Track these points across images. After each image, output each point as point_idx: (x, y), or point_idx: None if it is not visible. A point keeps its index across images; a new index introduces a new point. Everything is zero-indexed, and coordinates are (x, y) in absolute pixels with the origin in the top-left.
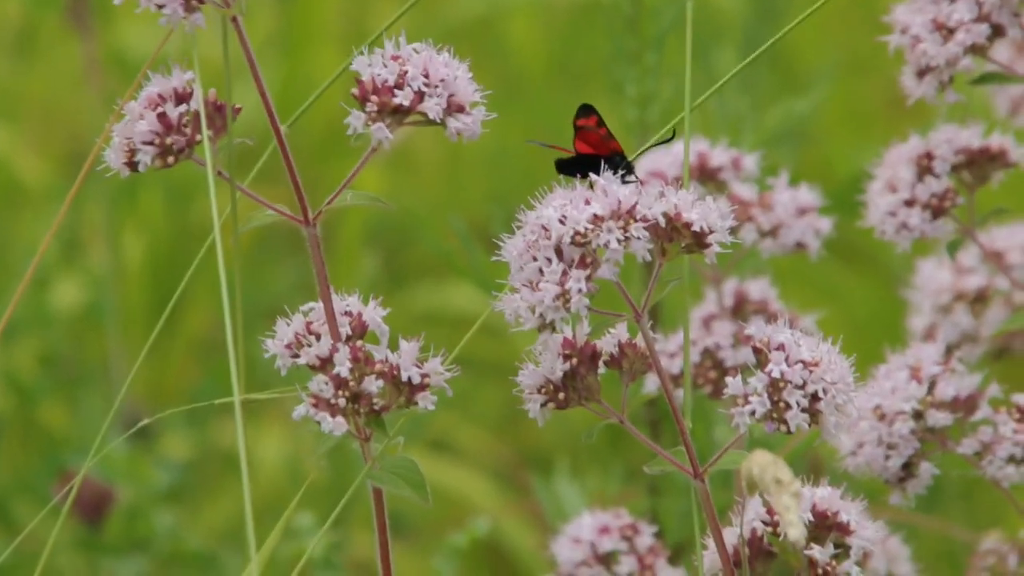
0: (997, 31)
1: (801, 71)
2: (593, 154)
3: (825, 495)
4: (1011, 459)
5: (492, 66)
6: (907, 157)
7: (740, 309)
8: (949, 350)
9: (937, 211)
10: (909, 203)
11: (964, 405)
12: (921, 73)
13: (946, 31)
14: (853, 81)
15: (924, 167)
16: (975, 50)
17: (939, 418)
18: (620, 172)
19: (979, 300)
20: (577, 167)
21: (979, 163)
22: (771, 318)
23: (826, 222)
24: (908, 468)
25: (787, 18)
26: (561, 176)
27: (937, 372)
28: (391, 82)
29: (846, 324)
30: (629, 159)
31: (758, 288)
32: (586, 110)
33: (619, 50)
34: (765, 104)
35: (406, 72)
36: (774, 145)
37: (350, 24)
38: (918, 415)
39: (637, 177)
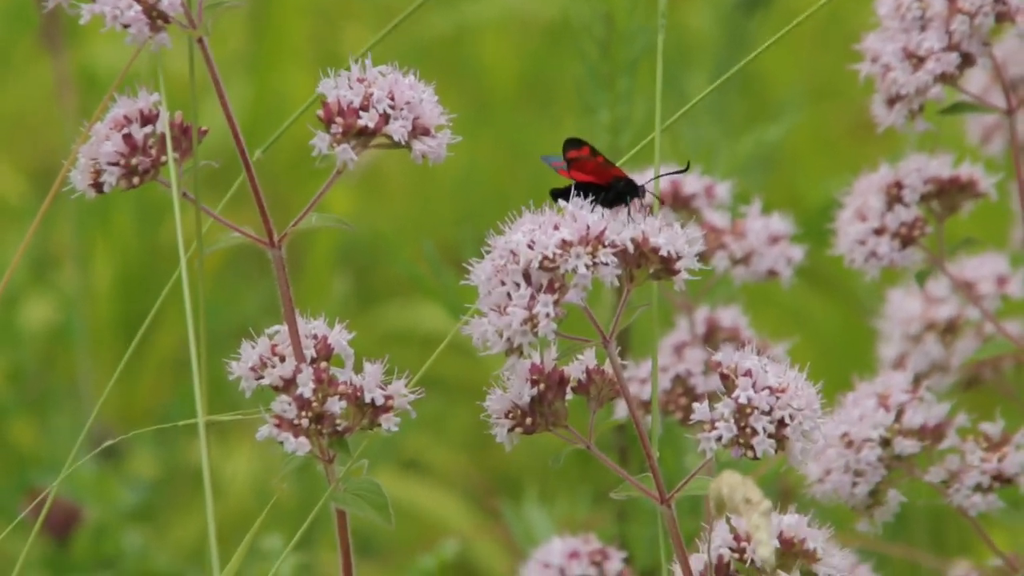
0: (967, 60)
1: (772, 97)
2: (592, 182)
3: (792, 522)
4: (978, 488)
5: (462, 85)
6: (877, 186)
7: (711, 337)
8: (917, 379)
9: (906, 240)
10: (878, 232)
11: (932, 433)
12: (891, 101)
13: (916, 60)
14: (820, 106)
15: (894, 196)
16: (945, 79)
17: (906, 446)
18: (629, 197)
19: (949, 330)
20: (578, 195)
21: (949, 193)
22: (742, 346)
23: (798, 250)
24: (875, 495)
25: (759, 44)
26: (532, 201)
27: (905, 400)
28: (356, 104)
29: (816, 351)
30: (634, 182)
31: (729, 316)
32: (575, 143)
33: (591, 75)
34: (737, 131)
35: (371, 94)
36: (745, 172)
37: (320, 44)
38: (885, 443)
39: (649, 196)
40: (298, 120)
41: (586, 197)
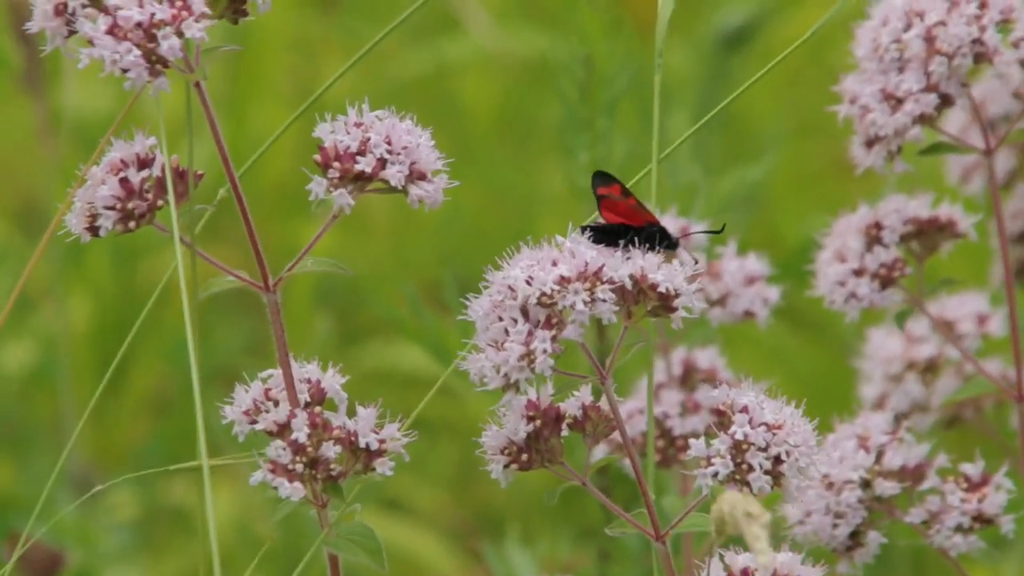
0: (945, 101)
1: (752, 134)
2: (624, 224)
3: (786, 560)
4: (958, 528)
5: (443, 124)
6: (856, 227)
7: (688, 378)
8: (897, 419)
9: (886, 281)
10: (858, 273)
11: (912, 474)
12: (870, 143)
13: (895, 101)
14: (800, 143)
15: (873, 237)
16: (923, 120)
17: (887, 487)
18: (660, 246)
19: (929, 369)
20: (607, 236)
21: (928, 233)
22: (719, 386)
23: (774, 291)
24: (856, 537)
25: (740, 81)
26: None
27: (885, 441)
28: (353, 149)
29: (796, 392)
30: (668, 231)
31: (706, 357)
32: (604, 178)
33: (570, 116)
34: (717, 169)
35: (368, 139)
36: (725, 212)
37: (299, 82)
38: (866, 484)
39: (679, 247)
40: (275, 160)
41: (617, 238)
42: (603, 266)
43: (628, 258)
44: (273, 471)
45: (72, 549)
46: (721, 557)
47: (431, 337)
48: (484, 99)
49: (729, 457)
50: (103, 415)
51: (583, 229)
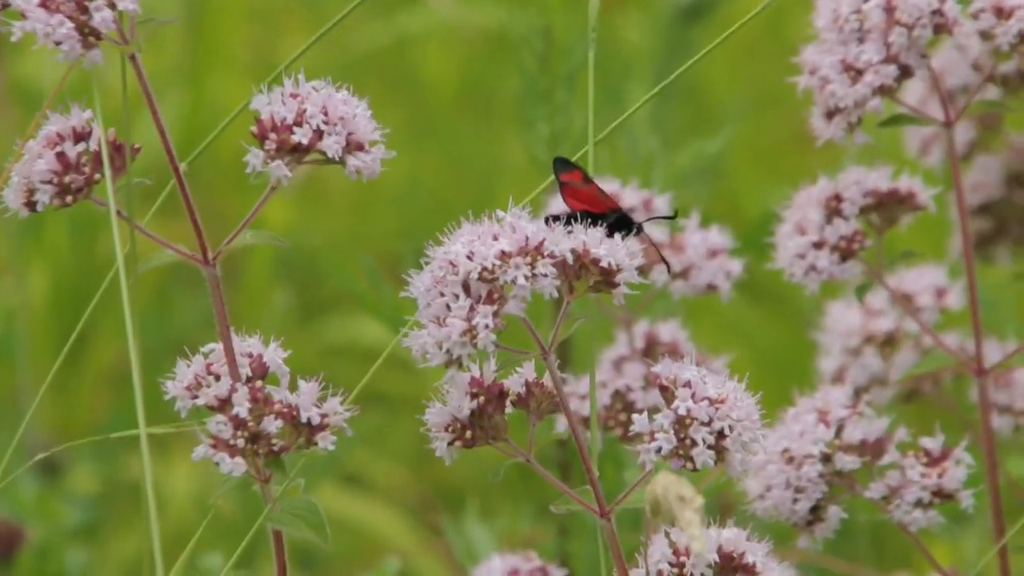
0: (905, 72)
1: (712, 107)
2: (587, 211)
3: (731, 536)
4: (918, 503)
5: (404, 96)
6: (816, 199)
7: (651, 351)
8: (857, 393)
9: (845, 253)
10: (818, 245)
11: (872, 449)
12: (830, 114)
13: (855, 72)
14: (761, 115)
15: (833, 209)
16: (883, 91)
17: (847, 462)
18: (622, 232)
19: (888, 343)
20: (570, 223)
21: (888, 205)
22: (681, 359)
23: (736, 264)
24: (816, 511)
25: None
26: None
27: (845, 415)
28: (290, 120)
29: (757, 364)
30: (631, 216)
31: (668, 330)
32: (566, 164)
33: (530, 88)
34: (677, 142)
35: (305, 110)
36: (684, 184)
37: (260, 52)
38: (826, 458)
39: (643, 233)
40: (237, 130)
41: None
42: (544, 240)
43: (570, 232)
44: (214, 446)
45: (33, 525)
46: (667, 534)
47: (390, 310)
48: (445, 71)
49: (672, 432)
50: (63, 389)
51: (546, 219)
